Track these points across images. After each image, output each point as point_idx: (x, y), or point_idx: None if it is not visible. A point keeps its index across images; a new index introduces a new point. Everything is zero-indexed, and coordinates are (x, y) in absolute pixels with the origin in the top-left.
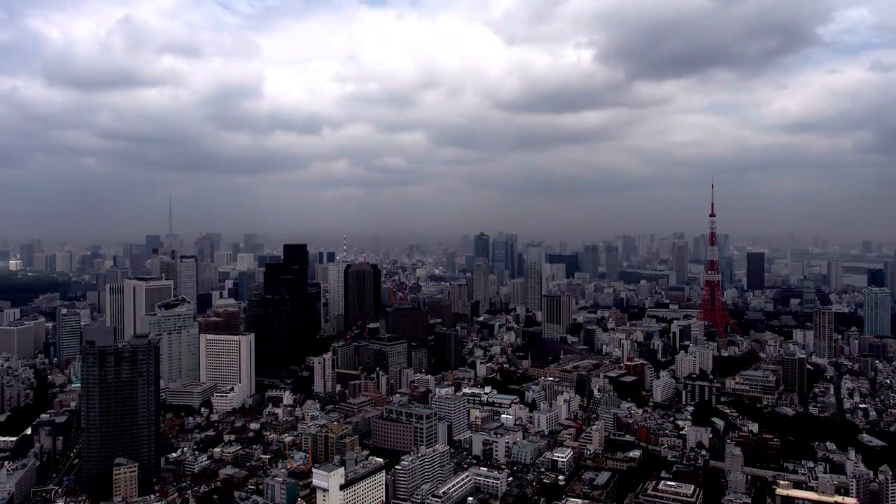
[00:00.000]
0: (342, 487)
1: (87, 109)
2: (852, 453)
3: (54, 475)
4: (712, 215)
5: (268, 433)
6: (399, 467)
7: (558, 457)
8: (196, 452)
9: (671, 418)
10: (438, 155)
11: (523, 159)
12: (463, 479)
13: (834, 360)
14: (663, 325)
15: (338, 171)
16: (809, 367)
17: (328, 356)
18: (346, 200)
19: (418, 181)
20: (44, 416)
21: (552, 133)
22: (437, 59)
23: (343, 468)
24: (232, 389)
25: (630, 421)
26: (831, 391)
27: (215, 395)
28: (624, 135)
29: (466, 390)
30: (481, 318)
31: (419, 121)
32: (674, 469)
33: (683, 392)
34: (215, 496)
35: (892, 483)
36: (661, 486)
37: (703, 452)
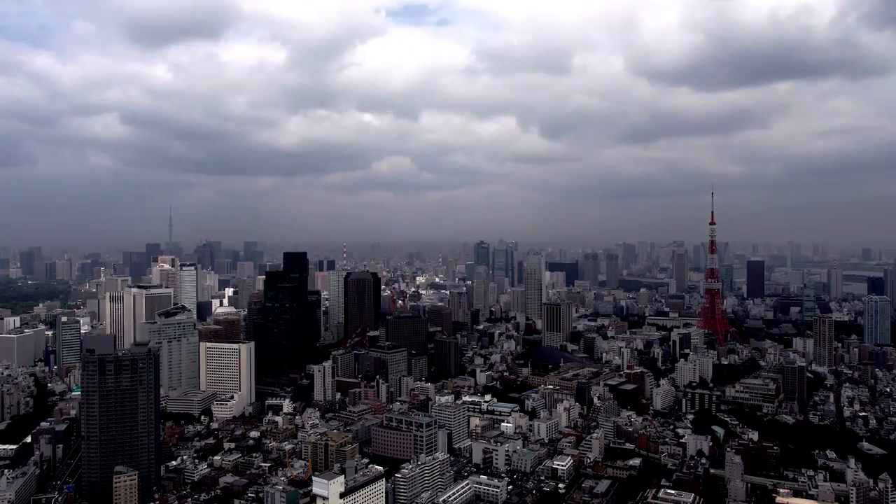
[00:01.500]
0: (342, 496)
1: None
2: (852, 461)
3: (55, 483)
4: (712, 223)
5: (268, 441)
6: (399, 475)
7: (558, 465)
8: (196, 460)
9: (671, 426)
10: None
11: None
12: (463, 488)
13: (834, 368)
14: (663, 333)
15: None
16: (809, 375)
17: (328, 364)
18: (375, 206)
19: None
20: (44, 424)
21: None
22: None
23: (343, 476)
24: (232, 397)
25: (630, 429)
26: (831, 399)
27: (215, 403)
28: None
29: (466, 398)
30: (481, 326)
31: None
32: (674, 477)
33: (683, 400)
34: None
35: (892, 491)
36: (661, 494)
37: (703, 460)
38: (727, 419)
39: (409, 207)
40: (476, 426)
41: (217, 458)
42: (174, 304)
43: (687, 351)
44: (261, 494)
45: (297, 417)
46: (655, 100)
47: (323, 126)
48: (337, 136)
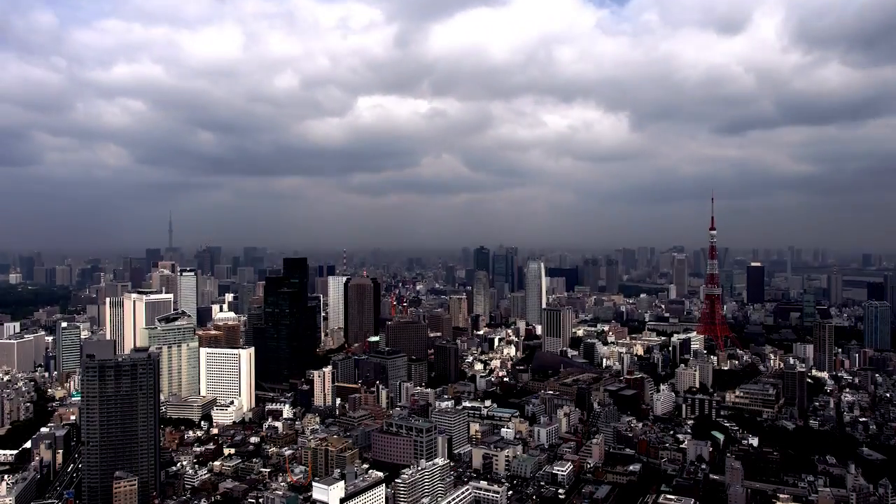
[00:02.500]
0: (342, 501)
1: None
2: (852, 467)
3: (57, 488)
4: (712, 229)
5: (268, 447)
6: (399, 481)
7: (558, 470)
8: (196, 466)
9: (671, 432)
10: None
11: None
12: (463, 493)
13: (834, 373)
14: (663, 338)
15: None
16: (809, 380)
17: (328, 370)
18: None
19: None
20: (44, 430)
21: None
22: None
23: (343, 482)
24: (232, 403)
25: (630, 434)
26: (831, 405)
27: (215, 408)
28: None
29: (466, 404)
30: (481, 332)
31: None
32: (674, 483)
33: (683, 405)
34: None
35: (892, 497)
36: (661, 499)
37: (703, 466)
38: (727, 425)
39: (428, 212)
40: (476, 431)
41: (217, 463)
42: (174, 309)
43: (687, 356)
44: (261, 500)
45: (297, 423)
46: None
47: (388, 113)
48: (400, 127)
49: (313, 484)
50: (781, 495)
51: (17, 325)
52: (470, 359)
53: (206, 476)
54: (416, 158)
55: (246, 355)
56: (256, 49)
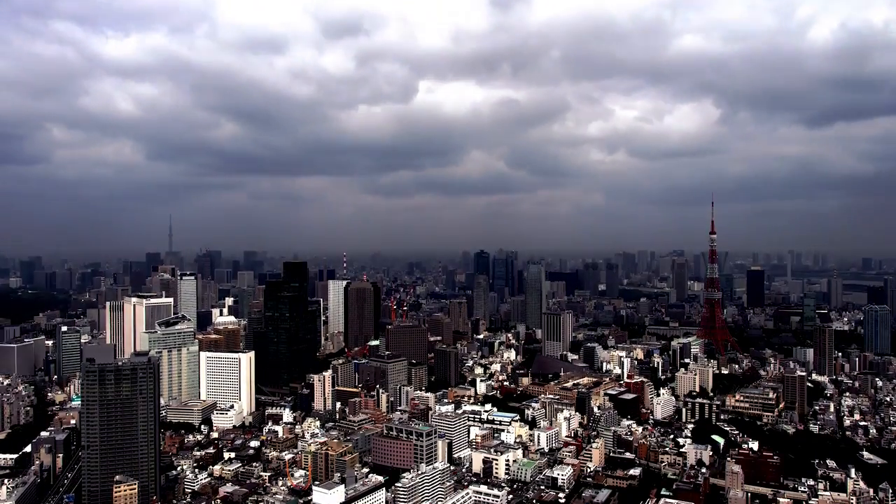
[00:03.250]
0: None
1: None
2: (852, 471)
3: (59, 491)
4: (712, 233)
5: (268, 451)
6: (399, 485)
7: (558, 474)
8: (196, 470)
9: (671, 436)
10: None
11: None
12: (463, 497)
13: (834, 377)
14: (663, 342)
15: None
16: (809, 384)
17: (328, 374)
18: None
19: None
20: (44, 434)
21: None
22: None
23: (343, 486)
24: (232, 407)
25: (630, 438)
26: (831, 409)
27: (215, 412)
28: None
29: (466, 408)
30: (481, 336)
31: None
32: (674, 487)
33: (683, 410)
34: None
35: (892, 500)
36: (661, 503)
37: (704, 470)
38: (727, 429)
39: (446, 215)
40: (476, 436)
41: (217, 467)
42: (174, 313)
43: (687, 360)
44: None
45: (297, 427)
46: None
47: (450, 101)
48: (457, 118)
49: (313, 488)
50: (782, 499)
51: (18, 329)
52: (470, 363)
53: (206, 480)
54: (459, 156)
55: (246, 359)
56: (309, 16)
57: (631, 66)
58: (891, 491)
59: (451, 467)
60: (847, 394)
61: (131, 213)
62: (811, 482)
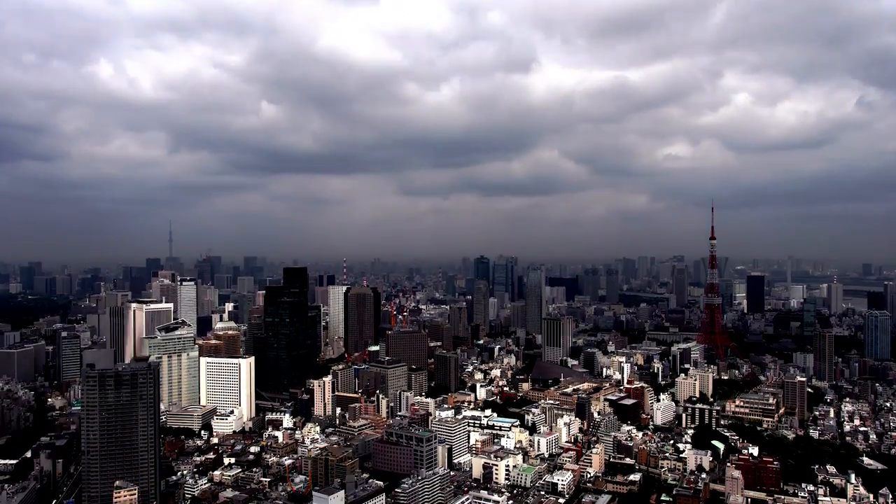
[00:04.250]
0: None
1: None
2: (852, 476)
3: (59, 496)
4: (712, 238)
5: (268, 456)
6: (399, 490)
7: (558, 480)
8: (196, 475)
9: (671, 441)
10: None
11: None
12: (463, 502)
13: (834, 383)
14: (663, 348)
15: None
16: (809, 390)
17: (328, 379)
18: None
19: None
20: (44, 439)
21: None
22: None
23: (343, 491)
24: (232, 412)
25: (630, 444)
26: (831, 414)
27: (215, 418)
28: None
29: (466, 413)
30: (481, 341)
31: None
32: (674, 492)
33: (683, 415)
34: None
35: None
36: None
37: (704, 475)
38: (727, 434)
39: (470, 218)
40: (476, 441)
41: (217, 472)
42: (174, 319)
43: (687, 366)
44: None
45: (297, 432)
46: None
47: (542, 84)
48: (542, 104)
49: (313, 493)
50: None
51: (18, 334)
52: (470, 368)
53: (206, 486)
54: (522, 150)
55: (246, 365)
56: None
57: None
58: (891, 496)
59: (451, 473)
60: (847, 399)
61: (133, 218)
62: (811, 488)
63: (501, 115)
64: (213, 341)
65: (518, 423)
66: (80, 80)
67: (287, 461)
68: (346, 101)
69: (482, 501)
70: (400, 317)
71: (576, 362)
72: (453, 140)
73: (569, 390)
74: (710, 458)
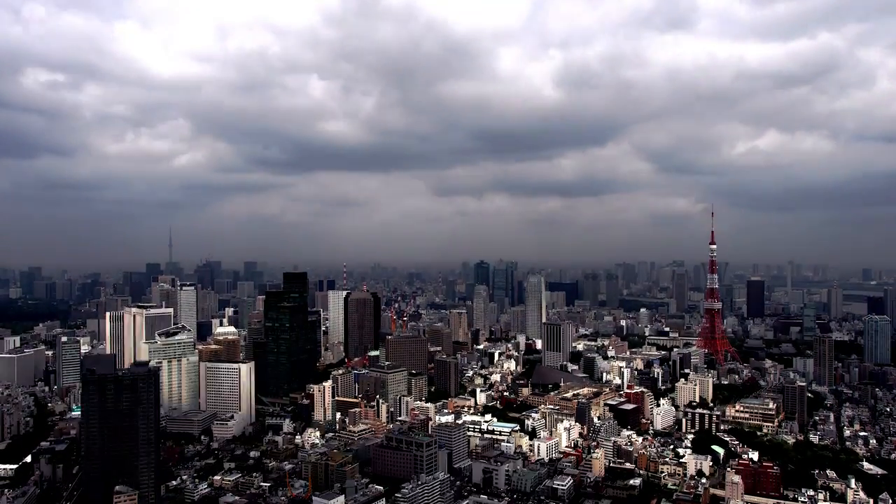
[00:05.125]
0: None
1: None
2: (852, 481)
3: (60, 501)
4: (712, 243)
5: (268, 461)
6: (399, 495)
7: (558, 485)
8: (196, 480)
9: (671, 446)
10: None
11: None
12: None
13: (834, 387)
14: (663, 352)
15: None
16: (809, 394)
17: (328, 384)
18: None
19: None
20: (44, 444)
21: None
22: None
23: (343, 496)
24: (232, 417)
25: (630, 449)
26: (831, 419)
27: (215, 422)
28: None
29: (466, 418)
30: (481, 346)
31: None
32: (674, 497)
33: (683, 420)
34: None
35: None
36: None
37: (703, 480)
38: (727, 439)
39: (493, 221)
40: (476, 446)
41: (217, 477)
42: (174, 323)
43: (687, 371)
44: None
45: (297, 437)
46: None
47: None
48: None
49: (313, 498)
50: None
51: (18, 339)
52: (470, 373)
53: (206, 490)
54: (587, 146)
55: (246, 370)
56: None
57: None
58: (891, 501)
59: (451, 478)
60: (847, 404)
61: (136, 222)
62: (811, 493)
63: (598, 96)
64: (213, 346)
65: (518, 427)
66: (94, 45)
67: (287, 466)
68: (415, 75)
69: None
70: (400, 322)
71: (576, 367)
72: (528, 130)
73: (569, 395)
74: (710, 463)
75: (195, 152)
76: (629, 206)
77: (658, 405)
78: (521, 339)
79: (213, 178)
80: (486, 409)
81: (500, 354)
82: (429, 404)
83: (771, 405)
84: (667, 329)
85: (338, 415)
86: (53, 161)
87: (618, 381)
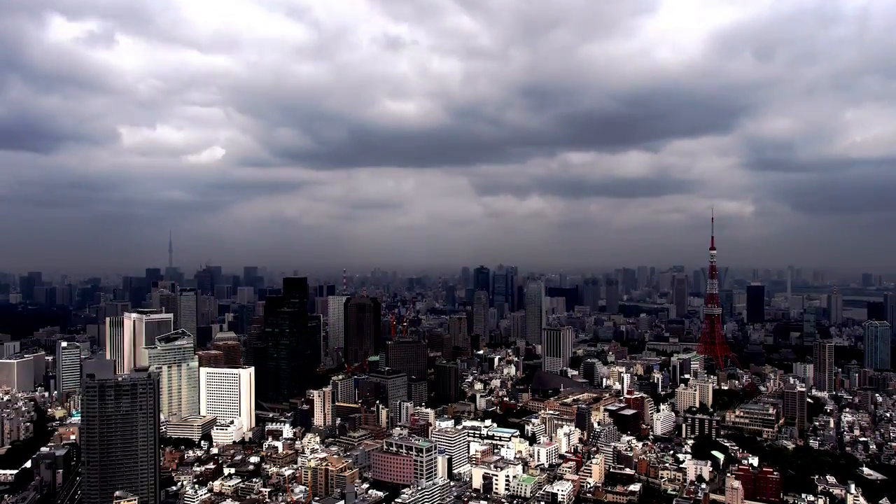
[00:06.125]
0: None
1: None
2: (852, 487)
3: None
4: (712, 248)
5: (268, 466)
6: (399, 501)
7: (558, 490)
8: (196, 486)
9: (671, 452)
10: None
11: None
12: None
13: (834, 393)
14: (663, 358)
15: None
16: (809, 400)
17: (328, 389)
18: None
19: None
20: (44, 450)
21: None
22: None
23: (343, 502)
24: (232, 422)
25: (630, 454)
26: (831, 424)
27: (215, 428)
28: None
29: (466, 423)
30: (481, 352)
31: None
32: (674, 502)
33: (683, 425)
34: None
35: None
36: None
37: (703, 486)
38: (727, 444)
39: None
40: (476, 451)
41: (217, 483)
42: (174, 329)
43: (687, 376)
44: None
45: (297, 443)
46: None
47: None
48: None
49: None
50: None
51: (17, 344)
52: (470, 378)
53: (206, 496)
54: (680, 137)
55: (246, 375)
56: None
57: None
58: None
59: (451, 483)
60: (847, 409)
61: (138, 227)
62: (811, 498)
63: (749, 63)
64: (213, 351)
65: (518, 433)
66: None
67: (287, 472)
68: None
69: None
70: (400, 327)
71: (576, 372)
72: (626, 112)
73: (569, 400)
74: (710, 469)
75: (229, 137)
76: (679, 207)
77: (658, 410)
78: (521, 345)
79: (235, 174)
80: (486, 415)
81: (500, 360)
82: (429, 409)
83: (771, 410)
84: (667, 334)
85: (338, 420)
86: (46, 158)
87: (618, 386)
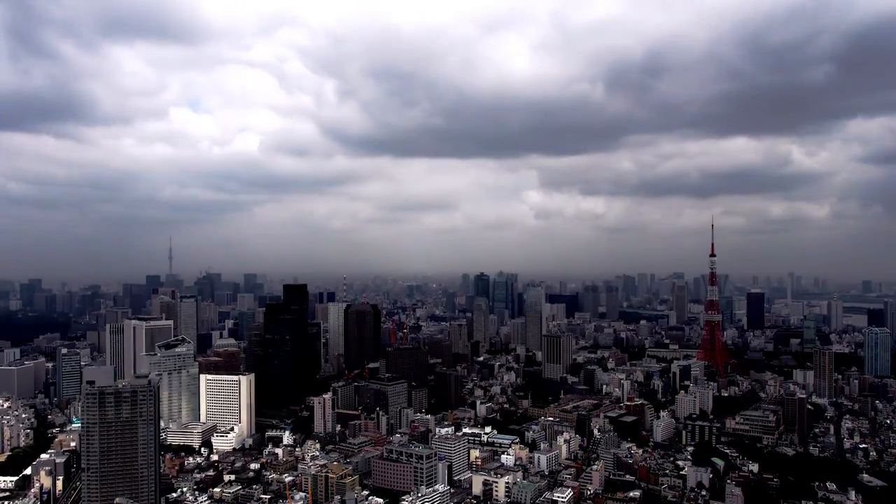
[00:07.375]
0: None
1: None
2: (853, 493)
3: None
4: (712, 255)
5: (268, 473)
6: None
7: (558, 497)
8: (196, 493)
9: (671, 458)
10: None
11: None
12: None
13: (834, 399)
14: (663, 364)
15: None
16: (810, 406)
17: (328, 396)
18: None
19: None
20: (44, 456)
21: None
22: None
23: None
24: (232, 429)
25: (630, 461)
26: (831, 431)
27: (215, 435)
28: None
29: (466, 430)
30: (481, 358)
31: None
32: None
33: (684, 432)
34: None
35: None
36: None
37: (704, 493)
38: (727, 451)
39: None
40: (476, 458)
41: (217, 490)
42: (174, 336)
43: (687, 383)
44: None
45: (297, 449)
46: None
47: None
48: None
49: None
50: None
51: (18, 351)
52: (470, 385)
53: (206, 502)
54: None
55: (246, 382)
56: None
57: None
58: None
59: (452, 490)
60: (847, 416)
61: (143, 232)
62: None
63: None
64: (213, 358)
65: (518, 440)
66: None
67: (287, 478)
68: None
69: None
70: (400, 334)
71: (576, 379)
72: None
73: (569, 407)
74: (710, 475)
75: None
76: (735, 210)
77: (658, 417)
78: (521, 351)
79: (272, 165)
80: (486, 421)
81: (500, 366)
82: (429, 416)
83: (771, 417)
84: (667, 341)
85: (338, 427)
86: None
87: (618, 393)
